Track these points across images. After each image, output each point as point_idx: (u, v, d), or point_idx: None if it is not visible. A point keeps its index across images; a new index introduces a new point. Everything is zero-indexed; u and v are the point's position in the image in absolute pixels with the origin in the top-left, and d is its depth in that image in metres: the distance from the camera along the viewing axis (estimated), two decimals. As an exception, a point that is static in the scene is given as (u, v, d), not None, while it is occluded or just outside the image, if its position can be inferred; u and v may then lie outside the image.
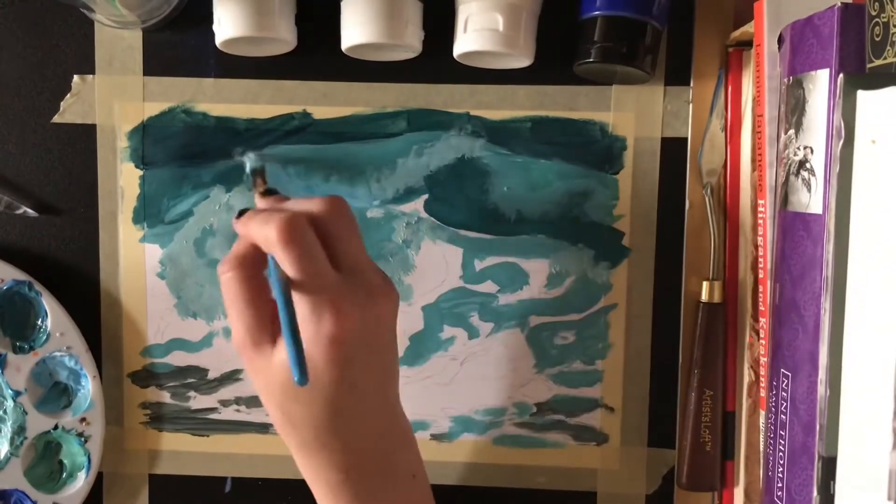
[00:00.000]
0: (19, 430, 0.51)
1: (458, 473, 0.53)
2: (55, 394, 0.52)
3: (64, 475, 0.52)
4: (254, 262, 0.38)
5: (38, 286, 0.50)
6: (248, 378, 0.39)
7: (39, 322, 0.51)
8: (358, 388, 0.38)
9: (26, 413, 0.51)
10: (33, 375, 0.51)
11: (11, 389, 0.51)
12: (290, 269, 0.36)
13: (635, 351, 0.51)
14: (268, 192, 0.42)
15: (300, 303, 0.36)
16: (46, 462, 0.52)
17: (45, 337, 0.51)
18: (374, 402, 0.39)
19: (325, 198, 0.39)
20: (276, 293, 0.36)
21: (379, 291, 0.39)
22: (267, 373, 0.38)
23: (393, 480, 0.40)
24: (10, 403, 0.51)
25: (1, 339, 0.51)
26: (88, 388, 0.51)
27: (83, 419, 0.51)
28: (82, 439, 0.51)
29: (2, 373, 0.51)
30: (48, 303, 0.51)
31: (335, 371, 0.36)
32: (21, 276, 0.50)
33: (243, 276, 0.38)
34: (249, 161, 0.49)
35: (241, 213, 0.40)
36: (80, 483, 0.51)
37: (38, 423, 0.51)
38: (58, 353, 0.51)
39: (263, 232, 0.37)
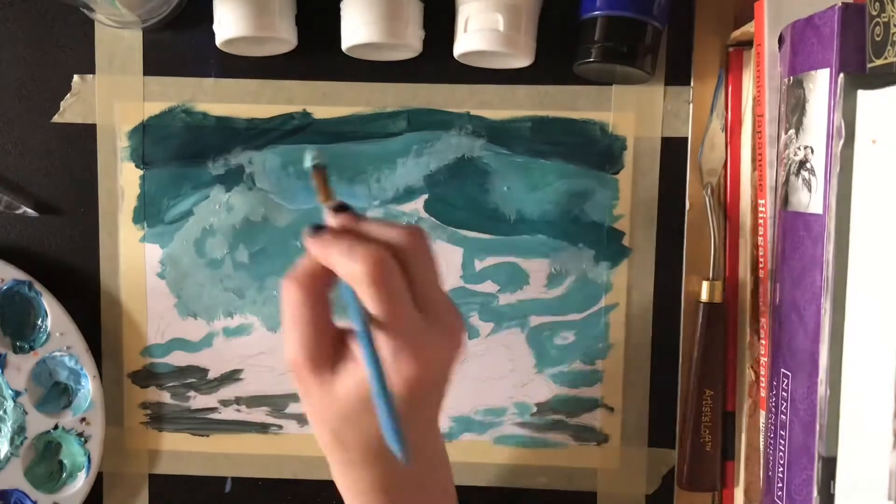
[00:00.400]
0: (19, 430, 0.51)
1: (459, 473, 0.53)
2: (55, 394, 0.52)
3: (64, 475, 0.52)
4: (323, 283, 0.37)
5: (38, 286, 0.50)
6: (302, 398, 0.38)
7: (39, 322, 0.51)
8: (420, 421, 0.37)
9: (26, 413, 0.51)
10: (33, 375, 0.51)
11: (11, 389, 0.51)
12: (373, 308, 0.34)
13: (635, 351, 0.51)
14: (340, 208, 0.38)
15: (378, 340, 0.35)
16: (46, 462, 0.52)
17: (45, 337, 0.51)
18: (427, 428, 0.39)
19: (406, 229, 0.36)
20: (358, 333, 0.35)
21: (455, 332, 0.37)
22: (326, 399, 0.36)
23: (426, 496, 0.40)
24: (10, 403, 0.51)
25: (1, 338, 0.51)
26: (88, 388, 0.51)
27: (83, 419, 0.51)
28: (82, 439, 0.51)
29: (2, 373, 0.51)
30: (48, 303, 0.51)
31: (405, 410, 0.35)
32: (21, 275, 0.50)
33: (310, 295, 0.36)
34: (310, 157, 0.42)
35: (316, 228, 0.37)
36: (80, 483, 0.52)
37: (39, 423, 0.51)
38: (58, 353, 0.51)
39: (349, 265, 0.34)
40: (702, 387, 0.49)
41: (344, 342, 0.37)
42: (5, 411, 0.51)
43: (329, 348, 0.36)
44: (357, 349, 0.35)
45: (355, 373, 0.35)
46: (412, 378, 0.35)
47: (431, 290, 0.36)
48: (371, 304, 0.34)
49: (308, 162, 0.40)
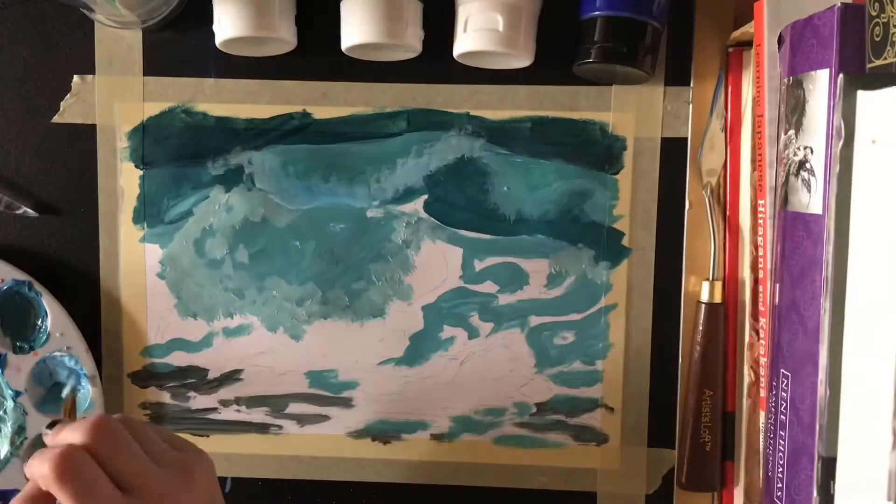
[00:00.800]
0: (19, 431, 0.51)
1: (458, 473, 0.53)
2: (55, 394, 0.52)
3: None
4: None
5: (37, 286, 0.50)
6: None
7: (39, 322, 0.51)
8: None
9: (26, 413, 0.51)
10: (33, 375, 0.51)
11: (11, 390, 0.51)
12: None
13: (635, 351, 0.51)
14: (52, 425, 0.40)
15: None
16: (46, 462, 0.52)
17: (45, 337, 0.51)
18: None
19: (83, 424, 0.37)
20: None
21: (176, 488, 0.38)
22: None
23: None
24: (10, 403, 0.51)
25: (1, 339, 0.51)
26: (88, 388, 0.51)
27: (83, 419, 0.51)
28: None
29: (2, 373, 0.51)
30: (48, 303, 0.51)
31: None
32: (21, 276, 0.50)
33: None
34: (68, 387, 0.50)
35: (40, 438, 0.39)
36: (80, 483, 0.51)
37: (39, 423, 0.51)
38: (58, 354, 0.51)
39: (40, 471, 0.35)
40: (701, 387, 0.49)
41: None
42: (5, 411, 0.51)
43: None
44: None
45: None
46: None
47: (129, 469, 0.37)
48: (67, 502, 0.35)
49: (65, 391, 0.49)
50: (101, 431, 0.37)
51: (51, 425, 0.40)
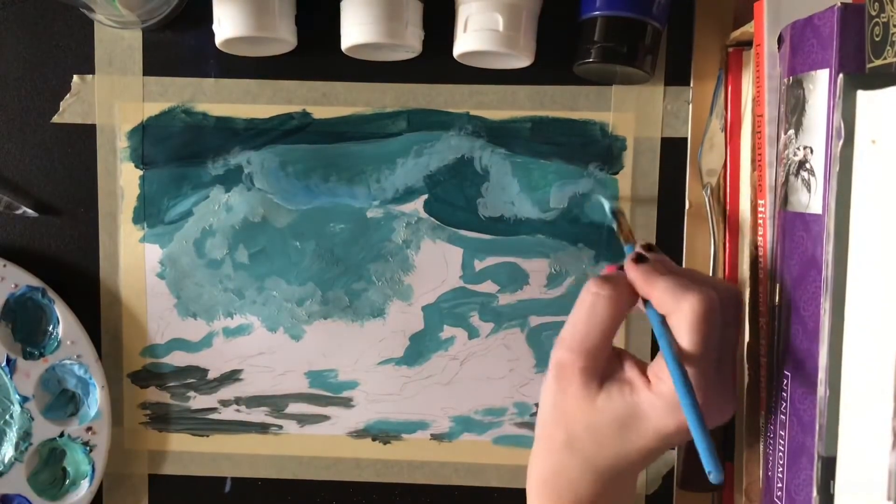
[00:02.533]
0: (25, 436, 0.51)
1: (458, 473, 0.53)
2: (62, 401, 0.52)
3: (67, 483, 0.52)
4: (627, 301, 0.38)
5: (51, 293, 0.50)
6: (546, 394, 0.39)
7: (51, 329, 0.51)
8: None
9: (33, 419, 0.51)
10: (42, 382, 0.51)
11: (19, 395, 0.51)
12: (688, 343, 0.36)
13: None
14: (650, 248, 0.41)
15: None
16: (50, 469, 0.52)
17: (55, 344, 0.51)
18: None
19: (733, 286, 0.39)
20: (670, 366, 0.36)
21: (729, 404, 0.39)
22: (582, 405, 0.38)
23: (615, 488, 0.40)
24: (17, 408, 0.51)
25: (12, 343, 0.51)
26: (96, 397, 0.51)
27: (89, 428, 0.51)
28: (87, 448, 0.51)
29: (11, 377, 0.51)
30: (60, 310, 0.51)
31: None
32: (35, 282, 0.50)
33: (615, 306, 0.38)
34: (608, 206, 0.49)
35: (639, 257, 0.39)
36: (83, 492, 0.51)
37: (44, 429, 0.51)
38: (67, 361, 0.51)
39: (677, 300, 0.36)
40: (702, 387, 0.49)
41: (619, 364, 0.38)
42: (12, 416, 0.51)
43: (604, 362, 0.38)
44: (634, 374, 0.38)
45: (621, 396, 0.37)
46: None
47: (731, 352, 0.39)
48: (688, 341, 0.35)
49: (608, 209, 0.48)
50: (740, 302, 0.40)
51: (649, 247, 0.40)
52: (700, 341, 0.35)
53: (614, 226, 0.46)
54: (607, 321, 0.37)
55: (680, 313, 0.36)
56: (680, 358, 0.35)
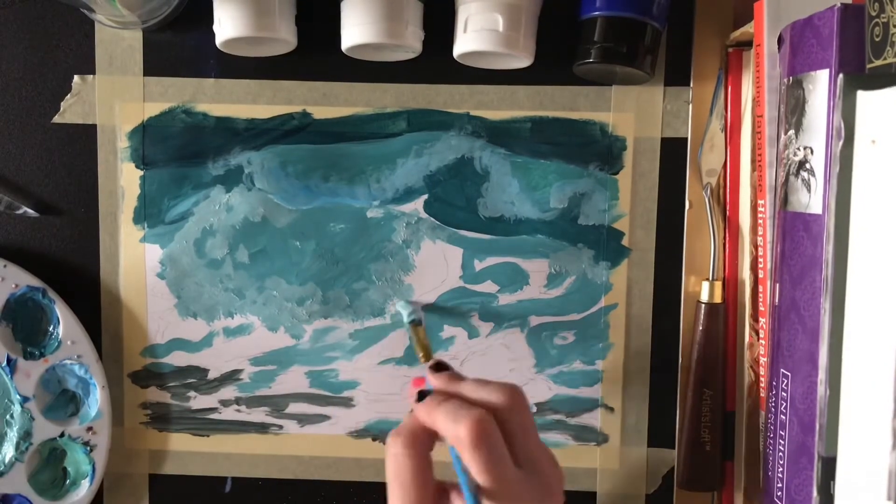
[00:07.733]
0: (25, 436, 0.51)
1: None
2: (63, 401, 0.52)
3: (67, 482, 0.52)
4: (426, 443, 0.38)
5: (51, 293, 0.50)
6: None
7: (51, 329, 0.51)
8: None
9: (33, 419, 0.51)
10: (42, 382, 0.51)
11: (20, 395, 0.51)
12: (476, 471, 0.36)
13: (635, 351, 0.51)
14: (439, 367, 0.41)
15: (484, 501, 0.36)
16: (51, 469, 0.52)
17: (56, 344, 0.51)
18: None
19: (503, 388, 0.38)
20: (466, 495, 0.36)
21: (555, 484, 0.39)
22: None
23: None
24: (17, 408, 0.51)
25: (13, 343, 0.51)
26: (97, 397, 0.51)
27: (90, 428, 0.51)
28: (88, 448, 0.51)
29: (11, 377, 0.50)
30: (61, 310, 0.51)
31: None
32: (36, 282, 0.50)
33: (416, 456, 0.38)
34: (406, 313, 0.49)
35: (422, 395, 0.39)
36: (84, 492, 0.51)
37: (45, 429, 0.51)
38: (68, 361, 0.51)
39: (453, 429, 0.36)
40: (701, 387, 0.49)
41: (445, 497, 0.39)
42: (12, 416, 0.51)
43: (431, 502, 0.38)
44: None
45: None
46: None
47: (530, 445, 0.38)
48: (474, 467, 0.36)
49: (405, 318, 0.46)
50: (517, 402, 0.38)
51: (437, 367, 0.41)
52: (484, 462, 0.36)
53: (409, 337, 0.45)
54: (415, 472, 0.37)
55: (458, 441, 0.36)
56: (473, 487, 0.36)
